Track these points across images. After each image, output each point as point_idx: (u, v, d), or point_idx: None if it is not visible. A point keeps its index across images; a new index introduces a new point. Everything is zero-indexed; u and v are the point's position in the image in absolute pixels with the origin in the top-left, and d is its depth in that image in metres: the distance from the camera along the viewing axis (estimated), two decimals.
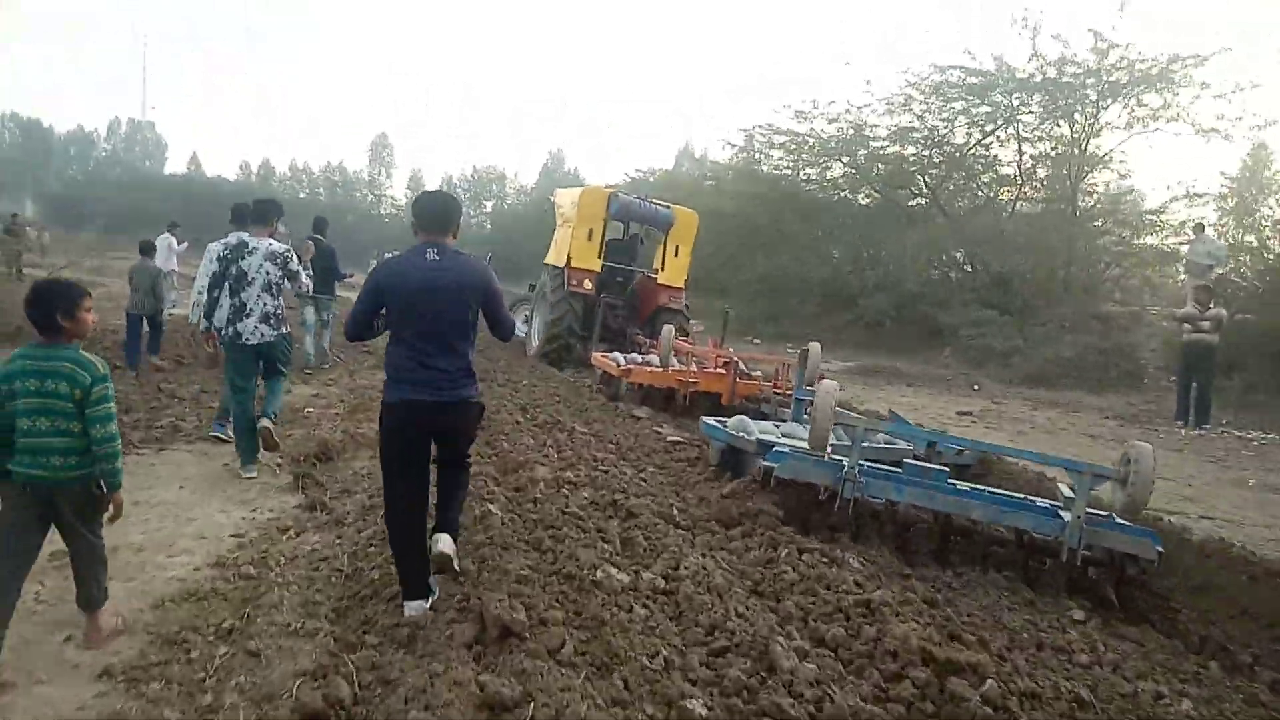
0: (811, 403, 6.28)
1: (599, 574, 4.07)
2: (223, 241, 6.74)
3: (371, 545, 4.66)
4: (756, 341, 21.87)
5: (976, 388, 14.61)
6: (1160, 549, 5.15)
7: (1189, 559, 5.49)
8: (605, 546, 4.61)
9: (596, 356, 11.58)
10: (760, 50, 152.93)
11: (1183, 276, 17.95)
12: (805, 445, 5.93)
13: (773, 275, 24.06)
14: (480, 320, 4.02)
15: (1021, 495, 6.00)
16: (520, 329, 15.92)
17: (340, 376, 10.77)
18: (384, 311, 3.84)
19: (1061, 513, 5.40)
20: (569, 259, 13.67)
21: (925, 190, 23.42)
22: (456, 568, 3.89)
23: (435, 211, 3.93)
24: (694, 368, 10.79)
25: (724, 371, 10.29)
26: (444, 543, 3.84)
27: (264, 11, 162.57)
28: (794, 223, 25.24)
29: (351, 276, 11.48)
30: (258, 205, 6.68)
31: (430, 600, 3.79)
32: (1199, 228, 17.33)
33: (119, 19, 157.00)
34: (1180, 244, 18.89)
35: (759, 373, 10.89)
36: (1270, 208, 31.44)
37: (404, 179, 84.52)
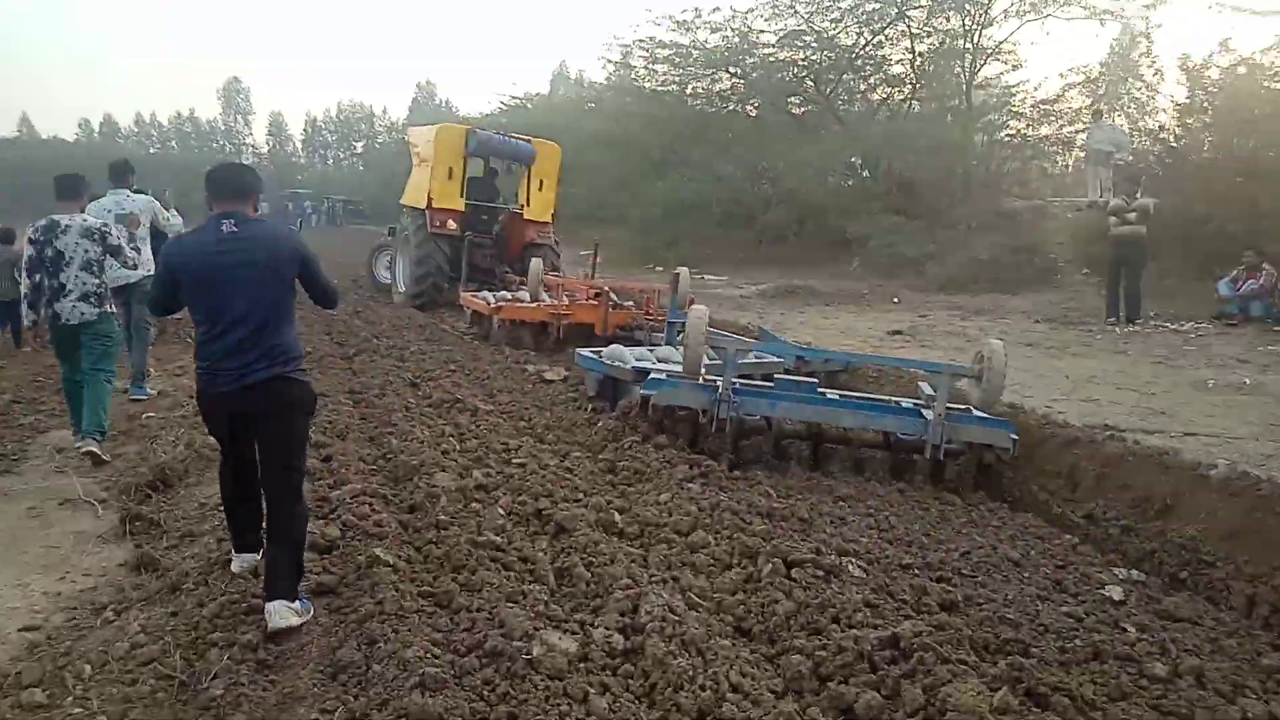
0: (683, 326, 6.64)
1: (535, 647, 2.96)
2: (32, 224, 6.19)
3: (216, 624, 3.40)
4: (659, 269, 20.82)
5: (896, 300, 13.93)
6: (1015, 437, 5.52)
7: (1214, 501, 4.73)
8: (537, 591, 3.50)
9: (465, 296, 11.45)
10: None
11: (1084, 165, 17.64)
12: (681, 370, 6.08)
13: (669, 199, 22.89)
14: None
15: (888, 398, 6.27)
16: (383, 275, 15.59)
17: (191, 364, 9.18)
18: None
19: (925, 412, 5.69)
20: (430, 200, 13.25)
21: (818, 96, 22.44)
22: (296, 622, 3.29)
23: (228, 178, 3.55)
24: (565, 301, 10.65)
25: (596, 303, 10.15)
26: (278, 615, 3.28)
27: None
28: (685, 141, 24.03)
29: None
30: (61, 180, 6.17)
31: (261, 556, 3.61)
32: (1097, 114, 16.94)
33: None
34: (1077, 132, 18.57)
35: (630, 303, 10.56)
36: (1138, 90, 31.89)
37: (264, 125, 79.06)
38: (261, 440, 3.51)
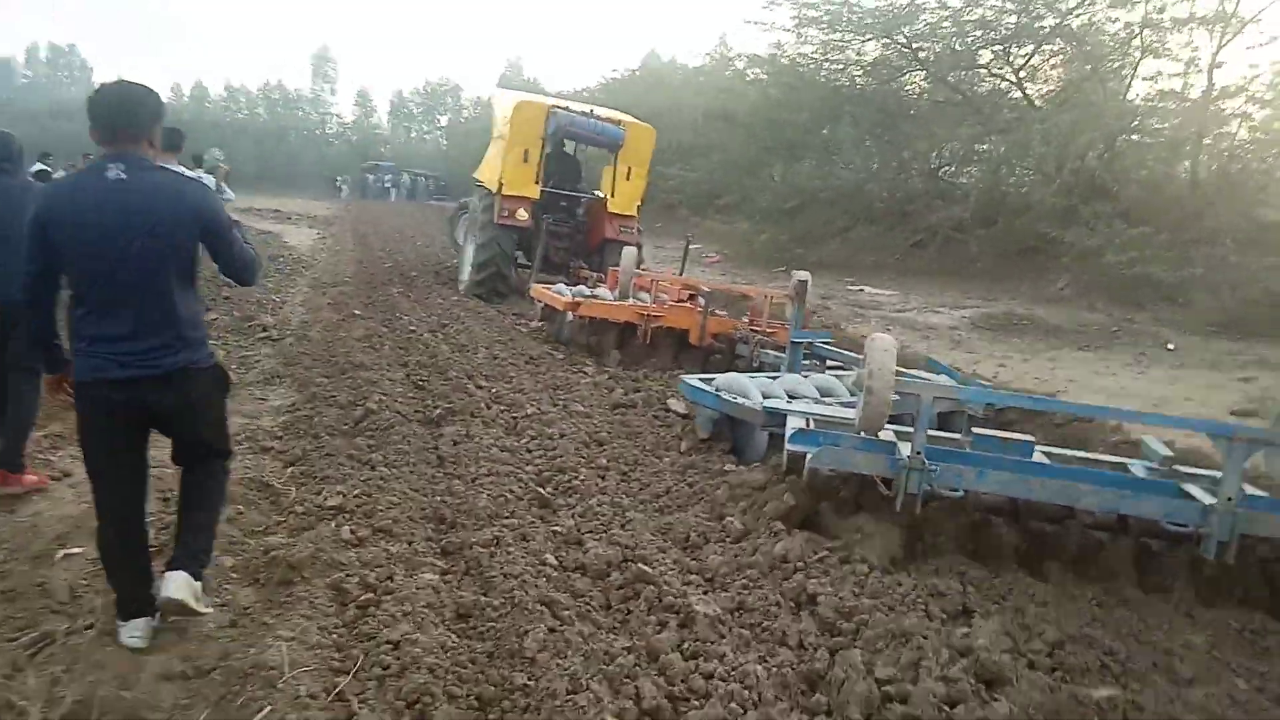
0: (808, 346, 6.62)
1: None
2: None
3: None
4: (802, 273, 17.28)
5: (1171, 347, 10.16)
6: None
7: None
8: None
9: (537, 289, 10.00)
10: None
11: None
12: (827, 411, 5.15)
13: (806, 188, 19.27)
14: None
15: (1117, 460, 4.80)
16: (461, 238, 14.03)
17: None
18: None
19: (1192, 490, 4.04)
20: (500, 184, 11.79)
21: (1007, 71, 18.45)
22: (198, 609, 2.76)
23: (113, 108, 2.71)
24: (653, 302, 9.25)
25: (691, 305, 8.91)
26: (174, 584, 2.71)
27: None
28: (826, 121, 20.40)
29: None
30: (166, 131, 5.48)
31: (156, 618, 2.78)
32: None
33: None
34: None
35: (723, 312, 9.06)
36: None
37: (350, 95, 78.04)
38: (176, 435, 2.96)
